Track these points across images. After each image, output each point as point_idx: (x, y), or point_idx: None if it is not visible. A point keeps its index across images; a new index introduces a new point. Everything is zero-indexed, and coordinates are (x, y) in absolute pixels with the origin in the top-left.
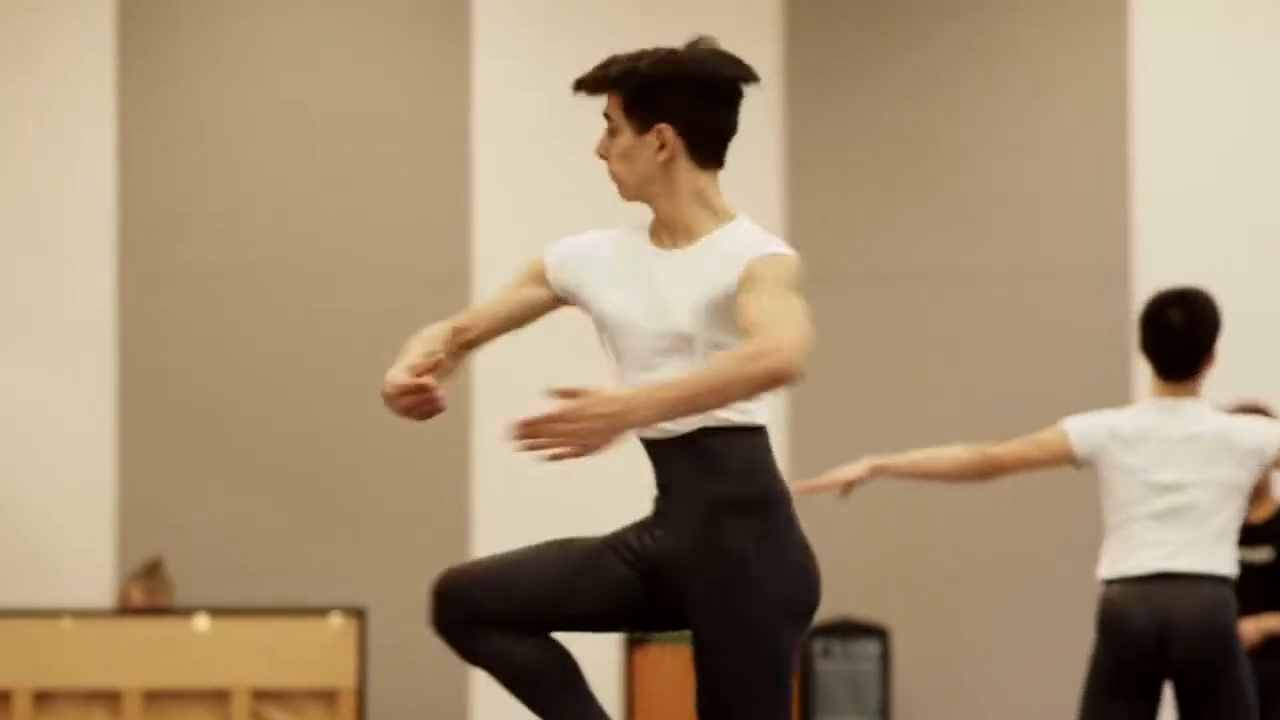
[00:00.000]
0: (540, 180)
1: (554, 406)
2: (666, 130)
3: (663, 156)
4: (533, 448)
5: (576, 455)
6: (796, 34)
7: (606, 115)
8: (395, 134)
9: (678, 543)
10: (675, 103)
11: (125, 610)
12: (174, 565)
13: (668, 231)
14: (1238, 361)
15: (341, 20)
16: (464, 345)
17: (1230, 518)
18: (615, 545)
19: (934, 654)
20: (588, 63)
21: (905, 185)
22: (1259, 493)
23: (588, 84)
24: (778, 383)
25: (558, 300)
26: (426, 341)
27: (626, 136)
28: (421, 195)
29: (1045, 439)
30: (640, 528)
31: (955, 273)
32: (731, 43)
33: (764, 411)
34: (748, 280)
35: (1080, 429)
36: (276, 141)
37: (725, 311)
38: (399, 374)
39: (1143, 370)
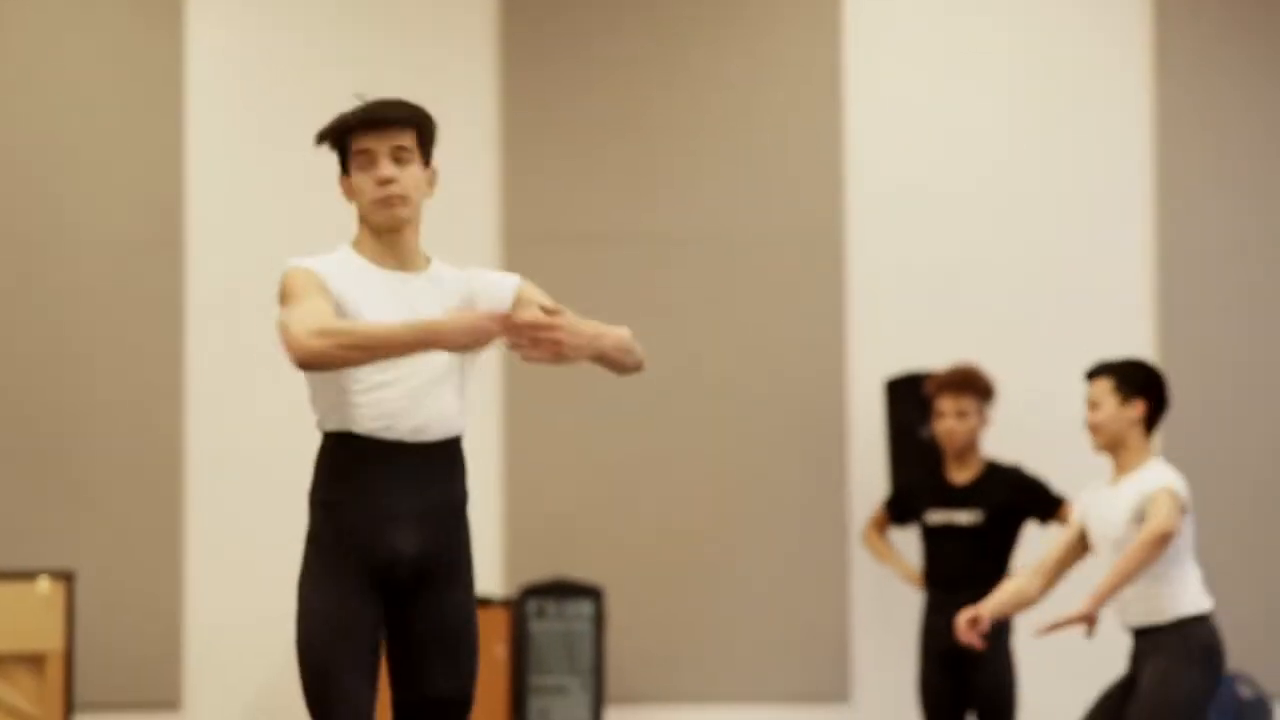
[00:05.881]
0: (251, 162)
1: (550, 316)
2: (435, 168)
3: (432, 191)
4: (515, 347)
5: (553, 361)
6: (512, 6)
7: (401, 146)
8: (110, 113)
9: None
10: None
11: None
12: None
13: (394, 258)
14: (946, 335)
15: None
16: None
17: None
18: None
19: (647, 614)
20: (298, 49)
21: (619, 152)
22: (966, 452)
23: (394, 120)
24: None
25: None
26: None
27: (417, 167)
28: (132, 171)
29: None
30: None
31: (666, 236)
32: (445, 20)
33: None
34: (528, 301)
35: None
36: None
37: None
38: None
39: (857, 329)
